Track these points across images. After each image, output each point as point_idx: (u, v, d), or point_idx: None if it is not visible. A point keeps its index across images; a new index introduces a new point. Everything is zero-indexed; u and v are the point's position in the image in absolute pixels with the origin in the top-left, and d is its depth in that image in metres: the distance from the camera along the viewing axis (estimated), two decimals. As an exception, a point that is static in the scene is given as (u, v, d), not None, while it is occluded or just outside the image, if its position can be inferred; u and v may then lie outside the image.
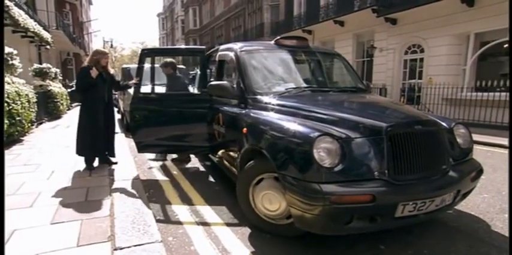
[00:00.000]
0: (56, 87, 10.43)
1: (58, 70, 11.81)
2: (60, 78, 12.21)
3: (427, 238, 2.31)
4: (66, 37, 18.98)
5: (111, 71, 3.89)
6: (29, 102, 6.04)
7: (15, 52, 6.17)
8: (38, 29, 12.05)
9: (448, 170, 2.13)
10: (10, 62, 6.04)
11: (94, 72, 3.55)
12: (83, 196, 2.94)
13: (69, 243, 2.06)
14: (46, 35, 13.22)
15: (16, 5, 10.13)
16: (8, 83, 5.50)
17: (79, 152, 3.77)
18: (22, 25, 9.88)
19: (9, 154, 4.58)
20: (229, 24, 25.42)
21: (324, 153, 1.86)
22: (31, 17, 11.66)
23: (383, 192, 1.84)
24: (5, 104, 4.75)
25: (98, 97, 3.67)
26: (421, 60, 10.88)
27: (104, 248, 2.00)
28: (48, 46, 13.95)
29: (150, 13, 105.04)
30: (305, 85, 2.99)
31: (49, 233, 2.18)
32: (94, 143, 3.67)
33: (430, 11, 9.76)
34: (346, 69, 3.61)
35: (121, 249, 1.97)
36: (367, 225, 1.88)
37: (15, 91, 5.34)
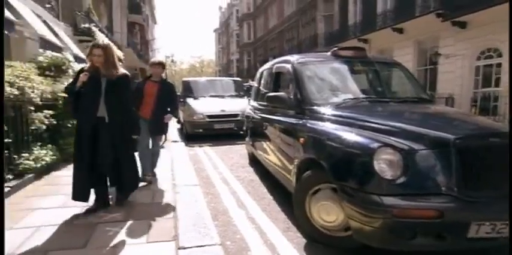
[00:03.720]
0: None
1: (128, 83, 13.15)
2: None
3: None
4: (134, 54, 21.07)
5: (115, 72, 2.68)
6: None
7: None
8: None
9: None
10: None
11: (82, 78, 2.57)
12: (150, 197, 3.22)
13: (140, 239, 2.28)
14: (120, 53, 14.80)
15: (100, 30, 11.60)
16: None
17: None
18: (101, 45, 11.26)
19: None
20: (283, 36, 25.84)
21: (384, 164, 1.82)
22: (109, 38, 13.20)
23: (452, 208, 1.73)
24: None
25: (83, 115, 2.66)
26: (498, 65, 9.81)
27: (169, 246, 2.18)
28: (120, 63, 15.59)
29: (207, 29, 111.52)
30: (363, 95, 2.94)
31: (123, 228, 2.44)
32: (78, 181, 2.70)
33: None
34: (408, 79, 3.47)
35: (184, 248, 2.12)
36: (433, 243, 1.77)
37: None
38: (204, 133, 7.74)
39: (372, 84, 3.29)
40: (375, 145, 1.87)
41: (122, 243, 2.22)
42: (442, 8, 10.67)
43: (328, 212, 2.20)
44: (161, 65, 3.79)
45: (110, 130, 2.68)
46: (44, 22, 7.40)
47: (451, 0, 10.26)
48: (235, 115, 7.90)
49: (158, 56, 38.32)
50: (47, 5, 8.95)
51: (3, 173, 1.00)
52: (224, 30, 50.59)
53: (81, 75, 2.61)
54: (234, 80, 10.53)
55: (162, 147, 4.40)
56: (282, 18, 25.91)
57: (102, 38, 11.75)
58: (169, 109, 3.80)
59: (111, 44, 2.75)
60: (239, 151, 6.19)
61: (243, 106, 8.08)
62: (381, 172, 1.81)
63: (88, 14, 12.31)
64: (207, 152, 6.34)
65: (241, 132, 7.95)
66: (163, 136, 4.23)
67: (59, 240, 2.26)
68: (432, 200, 1.78)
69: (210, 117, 7.71)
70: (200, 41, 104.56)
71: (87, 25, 11.25)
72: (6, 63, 3.51)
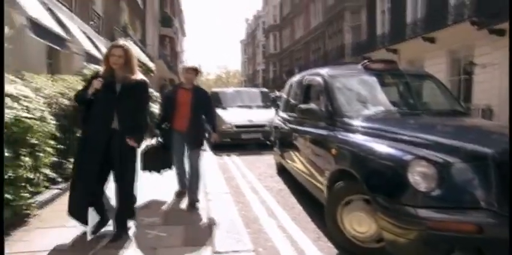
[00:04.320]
0: (156, 108, 12.11)
1: (158, 94, 13.73)
2: (159, 101, 14.14)
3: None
4: (165, 65, 21.98)
5: (134, 75, 2.40)
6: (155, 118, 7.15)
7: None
8: (146, 60, 14.32)
9: None
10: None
11: (95, 84, 2.29)
12: (184, 204, 3.36)
13: (177, 242, 2.41)
14: (151, 64, 15.58)
15: (134, 43, 12.31)
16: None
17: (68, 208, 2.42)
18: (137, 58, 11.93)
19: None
20: (309, 47, 25.98)
21: (419, 177, 1.84)
22: (142, 51, 13.95)
23: (492, 224, 1.71)
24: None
25: (94, 126, 2.35)
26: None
27: (205, 250, 2.29)
28: (152, 74, 16.36)
29: (233, 41, 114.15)
30: (395, 108, 2.97)
31: (161, 232, 2.59)
32: (76, 197, 2.37)
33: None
34: (441, 91, 3.45)
35: (220, 253, 2.23)
36: (472, 258, 1.76)
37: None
38: (232, 142, 7.91)
39: (403, 97, 3.30)
40: (409, 157, 1.90)
41: (161, 245, 2.36)
42: (477, 15, 10.36)
43: (360, 223, 2.23)
44: (195, 70, 3.38)
45: (124, 143, 2.33)
46: (88, 38, 8.00)
47: (486, 8, 9.95)
48: (262, 126, 8.03)
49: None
50: (91, 22, 9.74)
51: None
52: (250, 41, 51.58)
53: (94, 81, 2.31)
54: (261, 91, 10.72)
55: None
56: (308, 29, 26.12)
57: (137, 51, 12.46)
58: (206, 120, 3.45)
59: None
60: (266, 161, 6.28)
61: (269, 116, 8.20)
62: (415, 184, 1.83)
63: (125, 29, 13.10)
64: (235, 162, 6.48)
65: (268, 142, 8.06)
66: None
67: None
68: (470, 214, 1.78)
69: (237, 126, 7.89)
70: (226, 52, 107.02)
71: (123, 39, 11.98)
72: (59, 76, 3.86)
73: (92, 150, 2.32)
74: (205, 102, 3.40)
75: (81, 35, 7.41)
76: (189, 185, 3.38)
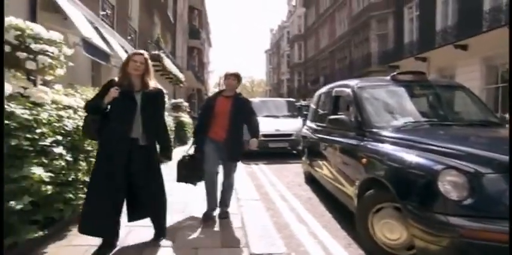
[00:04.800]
0: (185, 117, 12.59)
1: (187, 103, 14.26)
2: (188, 110, 14.67)
3: None
4: (193, 76, 22.76)
5: (152, 84, 2.41)
6: (170, 130, 7.54)
7: (166, 91, 7.90)
8: (176, 71, 14.97)
9: None
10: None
11: (112, 93, 2.22)
12: (217, 209, 3.54)
13: (215, 243, 2.59)
14: (180, 75, 16.24)
15: (166, 56, 12.99)
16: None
17: (80, 227, 2.29)
18: (168, 70, 12.51)
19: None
20: (334, 56, 25.95)
21: (449, 186, 1.91)
22: (172, 62, 14.62)
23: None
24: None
25: (113, 136, 2.25)
26: None
27: (242, 251, 2.45)
28: (181, 85, 17.02)
29: (258, 51, 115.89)
30: (424, 119, 3.02)
31: (200, 234, 2.78)
32: (98, 212, 2.24)
33: None
34: (472, 101, 3.46)
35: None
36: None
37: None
38: (259, 151, 8.08)
39: (433, 107, 3.35)
40: (439, 167, 1.98)
41: (201, 245, 2.54)
42: (515, 20, 9.99)
43: (391, 230, 2.30)
44: (237, 77, 3.19)
45: (145, 154, 2.34)
46: (126, 52, 8.60)
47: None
48: (289, 135, 8.16)
49: (212, 77, 40.71)
50: (128, 37, 10.47)
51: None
52: (275, 51, 52.15)
53: (111, 90, 2.22)
54: (287, 101, 10.89)
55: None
56: (333, 38, 26.16)
57: (168, 63, 13.10)
58: (248, 129, 3.22)
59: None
60: (293, 170, 6.38)
61: (296, 126, 8.34)
62: (445, 193, 1.90)
63: (158, 42, 13.84)
64: (263, 170, 6.64)
65: (294, 152, 8.15)
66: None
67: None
68: (501, 224, 1.81)
69: (265, 136, 8.05)
70: (251, 62, 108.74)
71: (156, 52, 12.62)
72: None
73: (114, 162, 2.21)
74: (246, 111, 3.19)
75: (120, 49, 7.99)
76: (222, 198, 3.29)
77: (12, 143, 1.97)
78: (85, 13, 6.61)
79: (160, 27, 15.97)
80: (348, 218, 3.03)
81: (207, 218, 3.14)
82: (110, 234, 2.32)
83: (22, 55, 2.43)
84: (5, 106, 2.05)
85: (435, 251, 1.94)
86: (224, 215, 3.21)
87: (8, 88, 2.13)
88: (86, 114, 2.39)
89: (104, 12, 8.34)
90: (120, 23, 9.78)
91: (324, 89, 4.82)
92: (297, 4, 37.83)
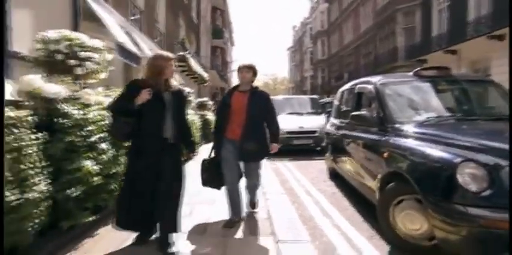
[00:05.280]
0: (210, 116, 12.98)
1: (211, 102, 14.66)
2: (212, 108, 15.06)
3: None
4: (217, 75, 23.23)
5: (174, 83, 2.50)
6: (196, 128, 7.86)
7: (192, 91, 8.22)
8: (201, 70, 15.39)
9: None
10: (188, 98, 8.09)
11: (145, 95, 2.24)
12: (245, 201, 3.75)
13: (244, 232, 2.79)
14: (205, 74, 16.66)
15: (192, 56, 13.43)
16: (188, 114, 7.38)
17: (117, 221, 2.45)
18: (193, 70, 12.91)
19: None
20: (359, 51, 25.49)
21: (468, 178, 1.99)
22: (197, 62, 15.06)
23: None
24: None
25: (148, 136, 2.33)
26: None
27: (269, 239, 2.64)
28: (205, 84, 17.45)
29: (281, 48, 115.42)
30: (448, 114, 3.06)
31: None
32: (131, 211, 2.37)
33: None
34: (501, 96, 3.42)
35: (282, 242, 2.55)
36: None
37: (191, 120, 7.11)
38: (283, 148, 8.23)
39: (457, 102, 3.36)
40: (458, 159, 2.05)
41: (230, 235, 2.75)
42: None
43: (412, 221, 2.39)
44: (251, 69, 2.93)
45: (174, 153, 2.42)
46: (154, 53, 9.11)
47: None
48: (313, 132, 8.23)
49: (234, 75, 41.16)
50: (155, 40, 10.96)
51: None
52: (298, 48, 51.83)
53: (143, 91, 2.24)
54: (310, 98, 10.96)
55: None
56: (357, 33, 25.68)
57: (193, 63, 13.52)
58: (268, 130, 3.01)
59: None
60: (317, 166, 6.47)
61: (320, 123, 8.39)
62: (465, 185, 1.98)
63: (183, 43, 14.29)
64: (287, 166, 6.78)
65: (318, 148, 8.22)
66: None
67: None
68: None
69: (289, 132, 8.18)
70: (273, 60, 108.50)
71: (182, 53, 13.06)
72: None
73: (148, 163, 2.29)
74: (265, 107, 2.93)
75: (149, 51, 8.42)
76: (249, 199, 3.26)
77: (68, 139, 2.26)
78: (117, 19, 7.05)
79: (185, 29, 16.45)
80: (371, 212, 3.13)
81: (229, 225, 2.90)
82: (143, 228, 2.42)
83: (72, 62, 2.74)
84: (60, 107, 2.34)
85: (455, 241, 2.03)
86: (235, 219, 3.00)
87: (62, 92, 2.43)
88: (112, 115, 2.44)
89: (133, 17, 8.80)
90: (148, 26, 10.25)
91: (347, 86, 4.89)
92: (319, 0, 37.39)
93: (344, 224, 3.20)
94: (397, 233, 2.53)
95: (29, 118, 1.97)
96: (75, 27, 5.01)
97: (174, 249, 2.31)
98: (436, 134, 2.55)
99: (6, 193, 1.67)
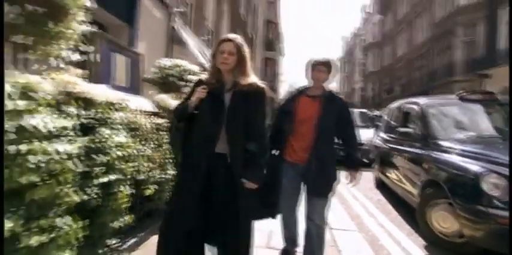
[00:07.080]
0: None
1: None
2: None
3: None
4: (267, 87, 24.22)
5: (249, 79, 1.80)
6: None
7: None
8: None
9: None
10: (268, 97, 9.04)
11: (201, 93, 1.76)
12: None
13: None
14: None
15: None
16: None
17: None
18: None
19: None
20: (412, 65, 24.92)
21: (491, 186, 2.52)
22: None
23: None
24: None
25: (196, 149, 1.74)
26: None
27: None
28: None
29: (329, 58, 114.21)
30: (486, 134, 3.52)
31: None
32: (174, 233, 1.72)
33: None
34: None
35: (334, 229, 3.22)
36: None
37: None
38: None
39: (497, 124, 3.77)
40: (483, 171, 2.59)
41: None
42: None
43: (444, 221, 2.93)
44: (328, 67, 2.24)
45: (232, 175, 1.69)
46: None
47: None
48: (361, 144, 8.66)
49: (282, 85, 42.07)
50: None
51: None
52: (348, 59, 51.42)
53: (197, 89, 1.77)
54: (360, 111, 11.38)
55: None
56: (411, 46, 25.16)
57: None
58: (343, 146, 2.31)
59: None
60: (365, 177, 6.88)
61: (368, 136, 8.78)
62: (488, 191, 2.51)
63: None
64: (335, 175, 7.32)
65: (365, 160, 8.60)
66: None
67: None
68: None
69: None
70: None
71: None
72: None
73: (192, 181, 1.69)
74: (343, 118, 2.21)
75: (202, 58, 9.77)
76: (305, 250, 2.29)
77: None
78: (196, 41, 8.35)
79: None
80: (412, 216, 3.65)
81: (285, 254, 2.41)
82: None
83: (181, 83, 3.74)
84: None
85: (480, 236, 2.56)
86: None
87: (172, 104, 3.38)
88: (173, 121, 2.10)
89: (205, 38, 10.17)
90: (214, 44, 11.62)
91: (395, 104, 5.42)
92: (372, 11, 37.11)
93: (387, 223, 3.76)
94: (432, 230, 3.07)
95: (166, 124, 2.93)
96: (171, 51, 6.25)
97: None
98: (470, 150, 3.06)
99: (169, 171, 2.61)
